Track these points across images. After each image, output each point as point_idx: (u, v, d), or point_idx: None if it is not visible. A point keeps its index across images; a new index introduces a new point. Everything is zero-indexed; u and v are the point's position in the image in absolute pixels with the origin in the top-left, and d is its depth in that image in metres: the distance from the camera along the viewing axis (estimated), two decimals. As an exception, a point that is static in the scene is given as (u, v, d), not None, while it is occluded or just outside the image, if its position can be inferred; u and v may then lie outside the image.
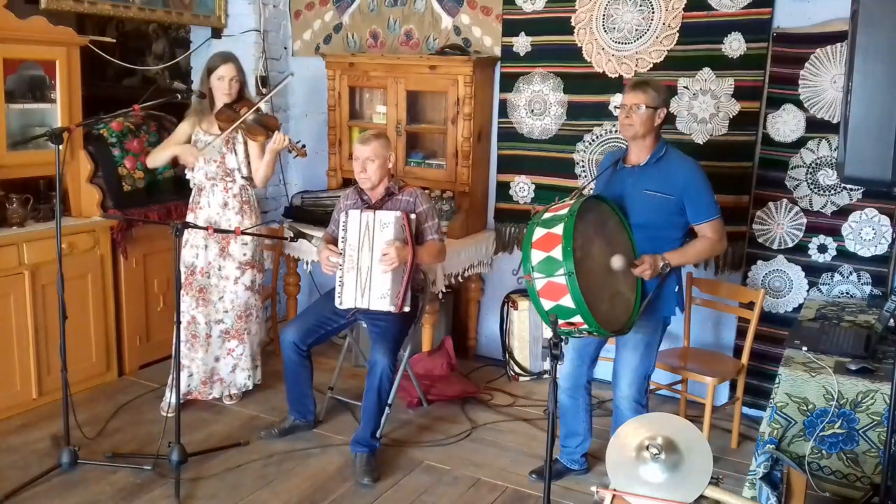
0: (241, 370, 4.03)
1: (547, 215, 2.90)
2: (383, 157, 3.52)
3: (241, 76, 3.85)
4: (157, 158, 3.98)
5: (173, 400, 3.37)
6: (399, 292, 3.44)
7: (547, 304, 2.81)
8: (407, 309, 3.50)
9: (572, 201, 2.93)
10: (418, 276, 3.66)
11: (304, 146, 3.87)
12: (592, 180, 3.25)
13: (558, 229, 2.80)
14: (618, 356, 3.27)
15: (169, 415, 3.72)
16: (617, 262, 2.93)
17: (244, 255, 3.91)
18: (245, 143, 3.86)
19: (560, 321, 2.80)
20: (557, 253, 2.76)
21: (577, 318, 2.77)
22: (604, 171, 3.30)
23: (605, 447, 2.51)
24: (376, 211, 3.46)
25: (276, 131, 3.80)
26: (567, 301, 2.75)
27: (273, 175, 4.02)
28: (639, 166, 3.17)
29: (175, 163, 4.13)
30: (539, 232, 2.85)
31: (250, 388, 4.09)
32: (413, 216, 3.51)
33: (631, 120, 3.10)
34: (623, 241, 3.08)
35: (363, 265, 3.45)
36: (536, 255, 2.81)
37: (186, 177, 3.95)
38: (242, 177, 3.88)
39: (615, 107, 3.13)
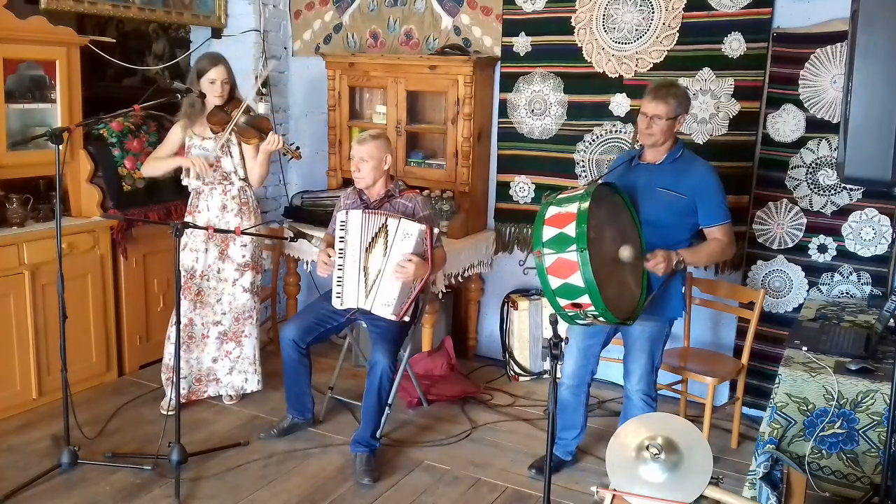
0: (239, 372, 4.03)
1: (561, 196, 2.90)
2: (378, 159, 3.50)
3: (230, 77, 3.82)
4: (157, 169, 3.92)
5: (173, 400, 3.37)
6: (405, 304, 3.44)
7: (555, 283, 2.78)
8: (407, 319, 3.50)
9: (587, 186, 2.93)
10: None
11: (298, 148, 3.87)
12: (607, 173, 3.26)
13: (572, 207, 2.79)
14: (626, 356, 3.30)
15: (168, 413, 3.73)
16: (625, 252, 2.91)
17: (243, 256, 3.91)
18: (240, 145, 3.85)
19: (565, 302, 2.80)
20: (570, 230, 2.74)
21: (584, 299, 2.75)
22: (618, 166, 3.30)
23: (600, 441, 2.51)
24: (401, 219, 3.42)
25: (270, 132, 3.80)
26: (576, 279, 2.73)
27: (269, 175, 4.00)
28: (654, 164, 3.21)
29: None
30: (552, 210, 2.84)
31: (248, 391, 4.08)
32: (436, 231, 3.50)
33: (651, 130, 3.14)
34: (633, 237, 3.09)
35: (371, 267, 3.44)
36: (548, 232, 2.80)
37: (183, 182, 3.92)
38: (240, 178, 3.88)
39: (642, 112, 3.15)
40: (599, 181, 3.09)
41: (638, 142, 3.31)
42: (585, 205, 2.78)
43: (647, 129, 3.14)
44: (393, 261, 3.39)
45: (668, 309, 3.22)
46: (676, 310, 3.26)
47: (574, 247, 2.72)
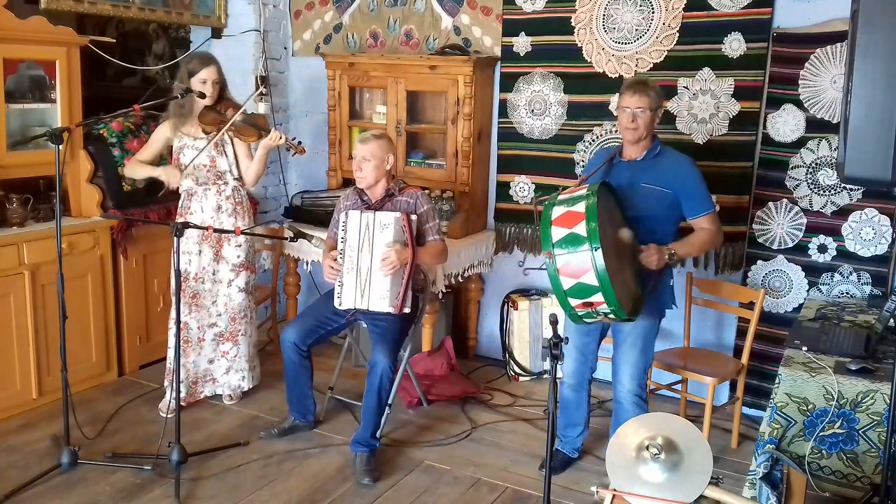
0: (236, 371, 4.02)
1: (562, 196, 2.89)
2: (380, 159, 3.51)
3: (221, 77, 3.81)
4: (137, 173, 3.89)
5: (173, 402, 3.37)
6: (399, 293, 3.44)
7: (567, 283, 2.78)
8: (407, 310, 3.50)
9: (586, 185, 2.93)
10: (418, 277, 3.66)
11: (300, 143, 3.86)
12: (593, 173, 3.27)
13: (580, 207, 2.79)
14: (617, 352, 3.30)
15: (168, 415, 3.73)
16: (625, 233, 2.95)
17: (238, 256, 3.90)
18: (233, 143, 3.84)
19: (577, 302, 2.79)
20: (580, 229, 2.74)
21: (597, 297, 2.76)
22: (601, 165, 3.31)
23: (600, 441, 2.51)
24: (376, 212, 3.46)
25: (271, 129, 3.77)
26: (589, 278, 2.73)
27: (265, 172, 3.98)
28: (636, 161, 3.23)
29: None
30: (559, 210, 2.83)
31: (245, 389, 4.08)
32: (414, 217, 3.51)
33: (636, 124, 3.15)
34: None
35: (363, 266, 3.45)
36: (558, 232, 2.79)
37: None
38: (234, 178, 3.87)
39: (623, 108, 3.17)
40: (600, 180, 3.10)
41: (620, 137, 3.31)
42: (593, 203, 2.78)
43: (632, 124, 3.15)
44: (377, 254, 3.41)
45: (659, 303, 3.24)
46: (666, 302, 3.29)
47: (587, 245, 2.73)
